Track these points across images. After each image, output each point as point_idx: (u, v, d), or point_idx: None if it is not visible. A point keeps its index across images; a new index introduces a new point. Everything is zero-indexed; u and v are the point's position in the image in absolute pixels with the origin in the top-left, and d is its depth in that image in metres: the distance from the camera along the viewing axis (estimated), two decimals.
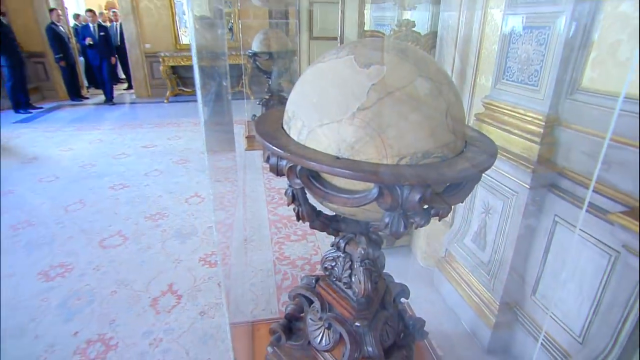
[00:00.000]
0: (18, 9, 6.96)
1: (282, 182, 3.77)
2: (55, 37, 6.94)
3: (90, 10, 6.53)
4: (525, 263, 1.70)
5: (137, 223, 2.99)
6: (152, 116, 6.52)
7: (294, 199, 0.99)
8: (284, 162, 0.88)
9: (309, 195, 1.00)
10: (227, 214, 3.11)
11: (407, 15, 2.48)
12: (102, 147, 4.87)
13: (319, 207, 1.09)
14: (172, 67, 7.83)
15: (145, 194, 3.51)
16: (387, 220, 0.82)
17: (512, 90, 1.68)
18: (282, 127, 1.01)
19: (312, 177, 0.86)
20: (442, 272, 2.21)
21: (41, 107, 6.92)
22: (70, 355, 1.82)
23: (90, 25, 6.59)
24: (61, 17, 7.29)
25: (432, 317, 2.10)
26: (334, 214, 1.11)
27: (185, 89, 8.18)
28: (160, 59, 7.50)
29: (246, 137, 4.77)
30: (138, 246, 2.68)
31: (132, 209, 3.23)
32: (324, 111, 0.85)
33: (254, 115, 5.02)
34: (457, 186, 0.90)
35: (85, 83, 8.47)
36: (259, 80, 8.34)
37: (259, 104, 5.00)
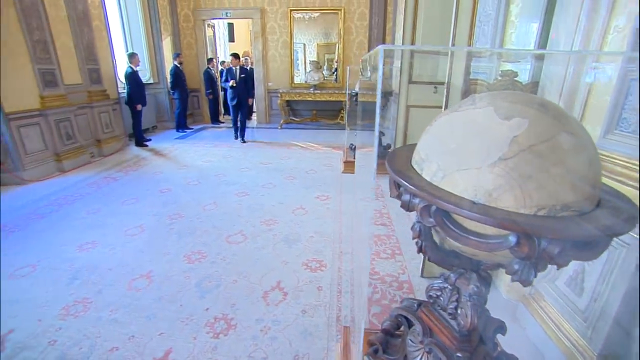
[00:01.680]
0: (188, 59, 8.04)
1: (375, 204, 3.70)
2: (208, 78, 7.91)
3: (234, 55, 6.39)
4: (633, 318, 1.40)
5: (254, 226, 3.13)
6: (269, 139, 6.92)
7: (420, 234, 0.91)
8: (417, 200, 0.82)
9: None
10: (325, 227, 3.12)
11: (508, 66, 2.28)
12: (231, 161, 5.27)
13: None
14: (287, 100, 8.26)
15: (261, 202, 3.68)
16: (516, 267, 0.71)
17: (627, 141, 1.42)
18: (412, 166, 0.95)
19: (445, 218, 0.78)
20: (527, 308, 1.93)
21: (192, 128, 7.79)
22: (202, 326, 1.92)
23: (233, 68, 6.33)
24: (214, 64, 8.23)
25: (515, 352, 1.83)
26: (452, 249, 1.01)
27: (294, 118, 8.56)
28: (279, 94, 7.99)
29: (344, 162, 4.79)
30: (254, 245, 2.80)
31: (250, 213, 3.40)
32: (462, 157, 0.77)
33: (352, 144, 5.04)
34: (595, 241, 0.75)
35: (222, 111, 9.34)
36: (355, 114, 8.43)
37: (356, 135, 5.01)
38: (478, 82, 2.03)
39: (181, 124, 7.49)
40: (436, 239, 0.95)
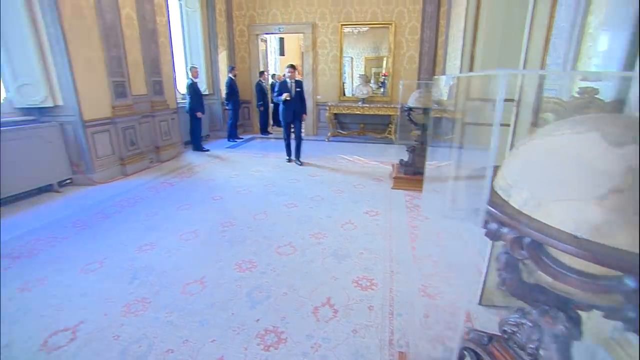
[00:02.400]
0: (241, 72, 8.46)
1: (426, 222, 3.59)
2: (260, 90, 8.25)
3: (290, 66, 5.72)
4: None
5: (304, 238, 3.15)
6: (317, 151, 7.00)
7: (505, 266, 0.85)
8: (506, 230, 0.77)
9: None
10: (375, 244, 3.06)
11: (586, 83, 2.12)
12: (280, 172, 5.39)
13: None
14: (335, 113, 8.34)
15: (309, 214, 3.71)
16: (631, 314, 0.64)
17: None
18: (495, 192, 0.90)
19: (541, 252, 0.73)
20: (610, 354, 1.73)
21: (242, 138, 8.12)
22: (253, 337, 1.95)
23: (288, 81, 5.69)
24: (265, 76, 8.58)
25: None
26: (537, 284, 0.93)
27: (341, 131, 8.61)
28: (327, 107, 8.09)
29: (393, 178, 4.71)
30: (303, 258, 2.81)
31: (299, 225, 3.43)
32: (560, 187, 0.71)
33: (402, 160, 4.95)
34: None
35: (272, 123, 9.64)
36: (404, 129, 8.31)
37: (407, 150, 4.92)
38: (552, 101, 1.91)
39: (232, 134, 7.83)
40: (520, 272, 0.89)
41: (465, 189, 3.60)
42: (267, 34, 8.69)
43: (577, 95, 1.90)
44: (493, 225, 0.80)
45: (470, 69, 3.23)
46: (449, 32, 7.21)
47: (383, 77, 8.40)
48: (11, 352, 1.86)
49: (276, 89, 5.78)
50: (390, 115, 8.03)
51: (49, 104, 4.31)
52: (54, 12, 4.07)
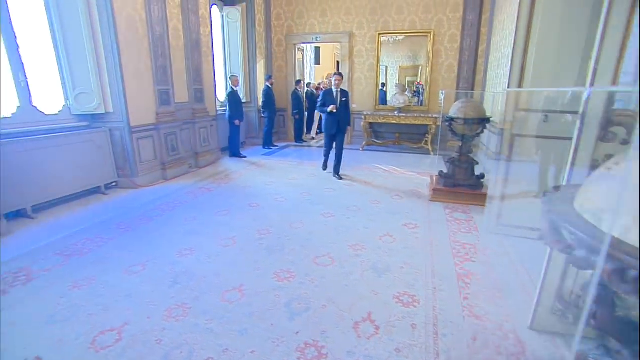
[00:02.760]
0: (278, 80, 8.63)
1: (468, 237, 3.44)
2: (296, 99, 8.38)
3: (338, 74, 5.40)
4: None
5: (342, 249, 3.10)
6: (352, 160, 6.95)
7: (599, 299, 0.77)
8: (601, 259, 0.69)
9: None
10: (415, 258, 2.96)
11: None
12: (315, 181, 5.39)
13: None
14: (370, 123, 8.28)
15: (346, 225, 3.66)
16: None
17: None
18: (579, 215, 0.82)
19: None
20: None
21: (277, 146, 8.24)
22: (293, 350, 1.92)
23: (334, 90, 5.24)
24: (301, 85, 8.70)
25: None
26: (631, 319, 0.84)
27: (376, 141, 8.52)
28: (363, 117, 8.05)
29: (432, 190, 4.57)
30: (342, 270, 2.76)
31: (337, 236, 3.39)
32: None
33: (441, 171, 4.80)
34: None
35: (305, 131, 9.73)
36: (444, 139, 8.10)
37: (446, 162, 4.76)
38: (622, 113, 1.76)
39: (268, 142, 7.97)
40: (615, 306, 0.80)
41: (513, 204, 3.42)
42: (304, 43, 8.82)
43: None
44: (581, 252, 0.72)
45: (520, 80, 3.08)
46: (492, 40, 7.00)
47: (417, 86, 8.26)
48: (63, 347, 1.94)
49: (320, 99, 5.32)
50: (427, 125, 7.86)
51: (101, 110, 4.57)
52: (111, 27, 4.34)
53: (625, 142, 1.80)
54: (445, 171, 4.78)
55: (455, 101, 4.72)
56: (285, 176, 5.62)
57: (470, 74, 7.71)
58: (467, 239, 3.40)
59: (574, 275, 2.06)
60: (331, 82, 9.47)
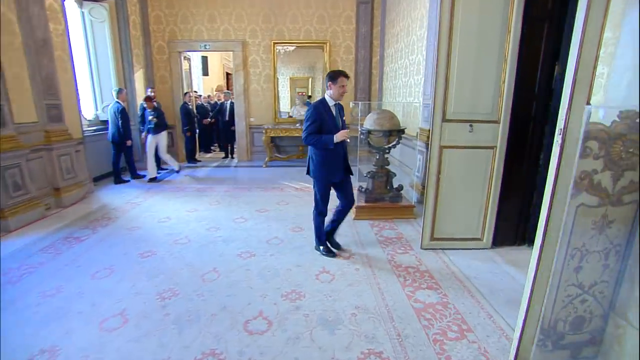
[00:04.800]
0: (162, 93, 7.40)
1: (407, 258, 3.18)
2: (186, 114, 7.30)
3: (342, 74, 2.94)
4: None
5: (276, 303, 2.47)
6: (257, 179, 6.30)
7: None
8: None
9: None
10: (364, 298, 2.52)
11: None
12: (222, 210, 4.57)
13: None
14: (272, 137, 7.75)
15: (273, 265, 3.03)
16: None
17: None
18: None
19: None
20: None
21: (166, 168, 7.01)
22: None
23: (330, 102, 2.96)
24: (190, 97, 7.66)
25: None
26: None
27: (279, 156, 8.03)
28: (264, 131, 7.47)
29: (355, 207, 4.26)
30: (285, 334, 2.13)
31: (265, 283, 2.73)
32: None
33: (360, 187, 4.55)
34: None
35: (198, 149, 8.67)
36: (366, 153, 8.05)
37: (366, 175, 4.54)
38: (598, 127, 1.61)
39: (156, 164, 6.71)
40: None
41: (442, 215, 3.30)
42: (190, 51, 7.82)
43: (617, 119, 1.64)
44: None
45: (446, 89, 2.97)
46: (385, 52, 7.25)
47: (301, 96, 8.00)
48: None
49: (310, 119, 2.90)
50: None
51: None
52: None
53: (598, 157, 1.67)
54: (364, 186, 4.55)
55: (354, 111, 4.54)
56: (184, 207, 4.65)
57: (366, 85, 7.88)
58: (407, 260, 3.14)
59: (553, 299, 1.88)
60: (227, 96, 8.72)
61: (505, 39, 2.92)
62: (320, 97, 3.06)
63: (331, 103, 2.98)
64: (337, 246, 3.36)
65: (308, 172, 3.15)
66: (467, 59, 2.94)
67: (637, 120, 1.67)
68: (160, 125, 6.13)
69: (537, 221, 3.41)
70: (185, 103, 7.38)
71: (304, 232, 3.81)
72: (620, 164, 1.71)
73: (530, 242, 3.45)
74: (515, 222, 3.45)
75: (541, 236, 1.69)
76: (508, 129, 3.10)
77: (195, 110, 8.20)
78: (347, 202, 3.27)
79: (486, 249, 3.38)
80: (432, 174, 3.19)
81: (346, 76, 2.95)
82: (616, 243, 1.88)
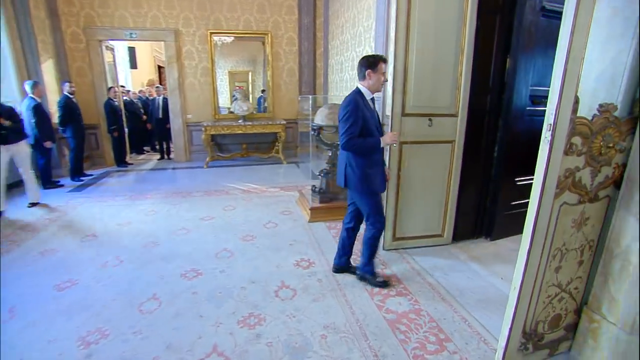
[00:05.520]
0: (81, 87, 6.37)
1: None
2: (111, 111, 6.39)
3: (381, 58, 2.37)
4: None
5: (232, 332, 2.10)
6: (198, 182, 5.72)
7: None
8: None
9: None
10: (332, 314, 2.26)
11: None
12: (159, 220, 4.00)
13: None
14: (212, 135, 7.15)
15: (225, 284, 2.64)
16: None
17: None
18: None
19: None
20: None
21: (91, 175, 6.10)
22: None
23: (367, 95, 2.45)
24: (116, 92, 6.73)
25: None
26: None
27: (221, 155, 7.47)
28: (203, 128, 6.85)
29: (310, 209, 3.98)
30: None
31: (217, 308, 2.34)
32: None
33: (314, 186, 4.27)
34: None
35: (129, 151, 7.74)
36: (290, 146, 7.76)
37: (318, 174, 4.27)
38: (581, 122, 1.50)
39: (77, 170, 5.78)
40: None
41: (403, 212, 3.15)
42: (113, 40, 6.86)
43: (598, 113, 1.54)
44: None
45: (405, 81, 2.79)
46: (330, 44, 7.02)
47: (241, 90, 7.48)
48: None
49: (351, 118, 2.27)
50: (275, 132, 7.33)
51: None
52: None
53: (581, 154, 1.56)
54: (317, 186, 4.28)
55: (299, 105, 4.26)
56: (112, 220, 3.99)
57: (311, 78, 7.60)
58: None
59: (535, 302, 1.78)
60: (159, 91, 7.84)
61: (462, 31, 2.82)
62: (354, 89, 2.39)
63: (368, 96, 2.39)
64: (352, 269, 2.81)
65: (345, 185, 2.47)
66: (425, 51, 2.79)
67: (615, 114, 1.60)
68: (17, 132, 4.33)
69: (494, 214, 3.48)
70: (110, 99, 6.45)
71: (255, 240, 3.44)
72: (599, 160, 1.63)
73: (487, 235, 3.46)
74: (473, 216, 3.44)
75: (528, 242, 1.55)
76: (466, 122, 3.03)
77: (124, 107, 7.27)
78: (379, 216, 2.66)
79: (447, 244, 3.32)
80: (392, 171, 3.02)
81: (385, 61, 2.35)
82: (590, 239, 1.83)
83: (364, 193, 2.45)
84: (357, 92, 2.36)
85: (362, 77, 2.36)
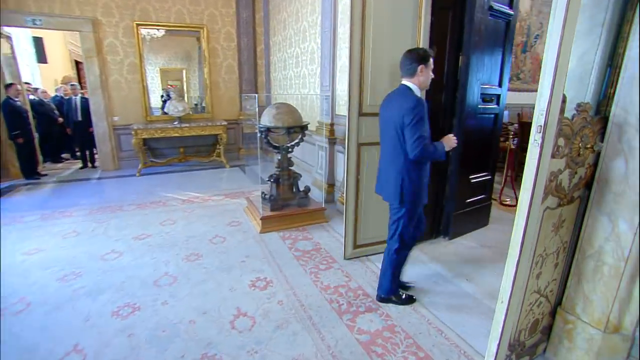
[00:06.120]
0: None
1: (333, 276, 2.71)
2: (13, 113, 5.35)
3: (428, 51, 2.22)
4: None
5: None
6: (130, 193, 5.03)
7: None
8: None
9: None
10: (300, 344, 1.98)
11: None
12: (82, 243, 3.37)
13: None
14: (144, 139, 6.41)
15: (169, 319, 2.22)
16: None
17: None
18: None
19: None
20: None
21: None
22: None
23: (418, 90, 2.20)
24: (20, 92, 5.67)
25: None
26: None
27: (156, 160, 6.75)
28: (133, 132, 6.09)
29: (261, 219, 3.63)
30: None
31: (161, 354, 1.93)
32: None
33: (264, 193, 3.94)
34: None
35: (42, 159, 6.63)
36: (231, 148, 7.30)
37: (268, 180, 3.94)
38: (565, 123, 1.40)
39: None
40: None
41: (362, 218, 2.98)
42: (9, 26, 5.77)
43: (576, 113, 1.46)
44: None
45: (361, 79, 2.59)
46: (271, 40, 6.67)
47: (168, 90, 6.82)
48: None
49: (421, 120, 1.99)
50: (216, 134, 6.80)
51: None
52: None
53: (564, 156, 1.47)
54: (266, 193, 3.96)
55: (241, 105, 3.91)
56: (19, 248, 3.25)
57: (252, 76, 7.18)
58: (333, 278, 2.72)
59: (519, 312, 1.68)
60: (75, 89, 6.77)
61: (417, 27, 2.70)
62: (402, 86, 2.11)
63: (418, 94, 2.09)
64: (406, 285, 2.55)
65: (401, 202, 2.14)
66: (381, 47, 2.62)
67: (591, 114, 1.53)
68: None
69: (451, 213, 3.46)
70: (9, 99, 5.39)
71: (202, 259, 3.02)
72: (577, 161, 1.55)
73: (445, 234, 3.43)
74: (430, 216, 3.37)
75: (517, 253, 1.42)
76: None
77: (31, 108, 6.17)
78: (422, 230, 2.47)
79: None
80: (350, 175, 2.82)
81: (433, 56, 2.14)
82: (564, 240, 1.78)
83: (411, 205, 2.17)
84: (409, 89, 2.08)
85: (411, 73, 2.07)
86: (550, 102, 1.24)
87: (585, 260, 1.75)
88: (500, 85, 3.35)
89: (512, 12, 3.20)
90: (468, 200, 3.43)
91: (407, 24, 2.66)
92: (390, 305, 2.37)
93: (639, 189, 1.50)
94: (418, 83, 2.08)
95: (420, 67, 2.04)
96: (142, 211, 4.27)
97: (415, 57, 2.04)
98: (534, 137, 1.31)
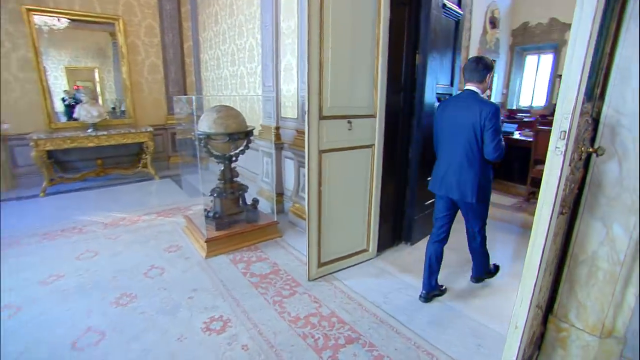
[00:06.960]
0: None
1: (299, 303, 2.40)
2: None
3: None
4: None
5: None
6: (31, 220, 4.09)
7: None
8: None
9: None
10: None
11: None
12: None
13: None
14: (49, 151, 5.35)
15: None
16: None
17: None
18: None
19: None
20: None
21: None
22: None
23: None
24: None
25: None
26: None
27: (67, 176, 5.70)
28: (33, 142, 5.03)
29: (206, 241, 3.13)
30: None
31: None
32: None
33: (207, 211, 3.43)
34: None
35: None
36: (160, 157, 6.54)
37: (210, 194, 3.44)
38: None
39: None
40: None
41: (327, 231, 2.70)
42: None
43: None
44: None
45: (321, 78, 2.28)
46: (201, 37, 6.04)
47: (75, 92, 5.84)
48: None
49: (499, 121, 2.15)
50: (141, 142, 5.97)
51: None
52: None
53: (570, 163, 1.32)
54: (210, 210, 3.46)
55: (170, 108, 3.41)
56: None
57: (179, 76, 6.46)
58: (301, 305, 2.38)
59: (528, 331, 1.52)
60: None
61: (376, 23, 2.48)
62: (469, 91, 2.21)
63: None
64: (442, 289, 2.56)
65: (477, 200, 2.24)
66: (341, 45, 2.34)
67: (588, 119, 1.42)
68: None
69: (412, 217, 3.33)
70: None
71: (137, 301, 2.45)
72: (578, 166, 1.44)
73: (407, 240, 3.29)
74: (392, 222, 3.21)
75: (535, 273, 1.25)
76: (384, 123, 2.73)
77: None
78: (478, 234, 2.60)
79: (373, 258, 3.01)
80: (312, 188, 2.50)
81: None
82: (557, 248, 1.68)
83: (486, 202, 2.38)
84: (477, 94, 2.20)
85: (480, 79, 2.21)
86: (575, 106, 1.06)
87: (578, 266, 1.67)
88: (452, 84, 3.31)
89: (462, 12, 3.17)
90: (427, 203, 3.34)
91: (368, 20, 2.42)
92: (371, 331, 2.11)
93: (635, 191, 1.43)
94: (483, 89, 2.23)
95: (489, 75, 2.22)
96: (50, 243, 3.44)
97: (488, 66, 2.19)
98: (556, 145, 1.13)
